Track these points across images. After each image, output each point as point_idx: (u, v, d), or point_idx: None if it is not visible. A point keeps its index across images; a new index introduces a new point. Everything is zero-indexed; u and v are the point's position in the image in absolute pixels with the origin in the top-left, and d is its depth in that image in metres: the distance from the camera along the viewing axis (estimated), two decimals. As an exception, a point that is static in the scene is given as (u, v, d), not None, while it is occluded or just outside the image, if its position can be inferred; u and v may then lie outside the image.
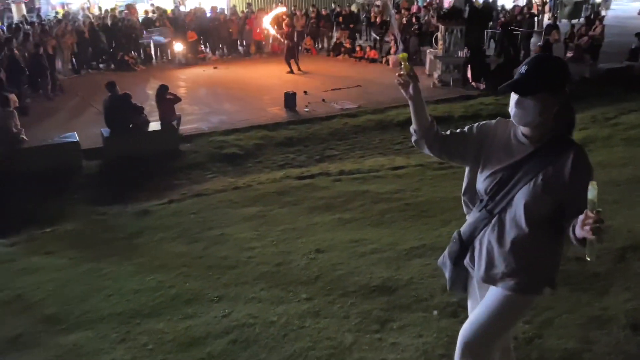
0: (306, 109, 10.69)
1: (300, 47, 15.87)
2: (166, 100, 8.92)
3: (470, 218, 2.15)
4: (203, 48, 16.98)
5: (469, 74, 12.31)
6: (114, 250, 5.15)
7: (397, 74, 2.02)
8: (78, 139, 8.36)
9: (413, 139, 2.14)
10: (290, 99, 10.76)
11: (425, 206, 5.58)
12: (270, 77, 13.52)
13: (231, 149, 8.79)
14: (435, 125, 2.10)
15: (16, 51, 11.40)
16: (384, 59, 15.41)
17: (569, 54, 14.41)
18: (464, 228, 2.17)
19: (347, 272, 4.12)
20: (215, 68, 15.28)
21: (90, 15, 17.91)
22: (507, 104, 1.97)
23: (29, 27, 14.94)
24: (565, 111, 1.96)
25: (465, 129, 2.13)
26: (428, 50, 14.36)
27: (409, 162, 7.47)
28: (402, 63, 2.01)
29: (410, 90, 2.02)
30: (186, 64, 15.71)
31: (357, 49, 16.34)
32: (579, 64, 13.77)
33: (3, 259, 5.23)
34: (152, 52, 16.35)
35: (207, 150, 8.76)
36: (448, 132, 2.14)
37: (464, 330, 2.14)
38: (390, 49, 15.73)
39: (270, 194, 6.49)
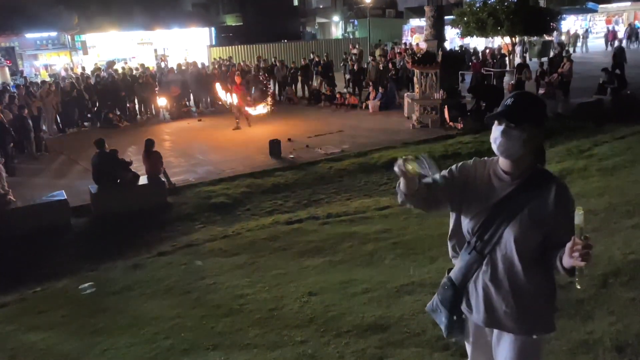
0: (291, 156, 10.92)
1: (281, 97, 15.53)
2: (154, 154, 9.08)
3: (459, 262, 2.12)
4: (187, 102, 17.31)
5: (446, 115, 12.73)
6: (106, 305, 5.16)
7: (402, 169, 1.91)
8: (66, 197, 8.40)
9: (400, 199, 2.07)
10: (275, 147, 10.99)
11: (412, 244, 5.71)
12: (254, 126, 13.80)
13: (219, 198, 8.90)
14: (422, 185, 2.01)
15: (0, 114, 11.56)
16: (364, 105, 15.86)
17: (541, 91, 15.01)
18: (455, 273, 2.14)
19: (339, 313, 4.20)
20: (199, 121, 15.56)
21: (73, 76, 18.24)
22: (486, 142, 2.09)
23: (13, 89, 15.17)
24: (542, 145, 2.05)
25: (445, 172, 2.12)
26: (405, 94, 14.86)
27: (394, 202, 7.63)
28: (411, 169, 1.90)
29: (411, 183, 1.96)
30: (170, 119, 15.99)
31: (337, 96, 16.81)
32: (550, 100, 14.34)
33: (-6, 321, 5.20)
34: (136, 108, 16.64)
35: (195, 201, 8.85)
36: (429, 180, 2.06)
37: None
38: (369, 94, 16.22)
39: (260, 241, 6.58)
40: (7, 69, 21.12)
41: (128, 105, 16.33)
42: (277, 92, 18.72)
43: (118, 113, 15.83)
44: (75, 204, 8.59)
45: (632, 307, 3.75)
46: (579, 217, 1.69)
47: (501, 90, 14.58)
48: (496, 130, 1.97)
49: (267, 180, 9.63)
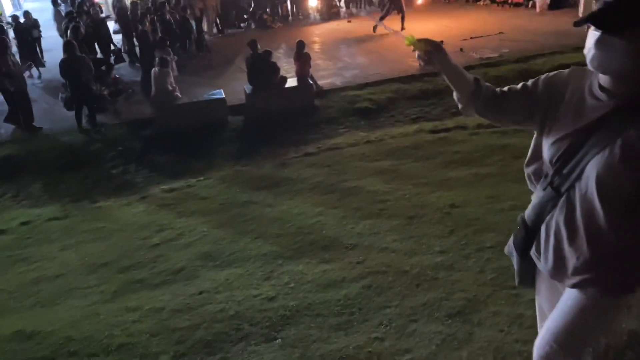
0: (442, 60, 10.28)
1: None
2: (304, 55, 9.18)
3: (534, 199, 1.76)
4: (337, 2, 17.01)
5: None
6: (257, 198, 5.57)
7: (417, 58, 1.74)
8: (224, 96, 8.98)
9: (460, 107, 1.83)
10: (425, 51, 10.39)
11: (572, 162, 5.16)
12: (405, 29, 13.17)
13: (364, 103, 8.83)
14: (482, 85, 1.75)
15: (169, 16, 12.46)
16: (530, 3, 14.14)
17: None
18: (528, 211, 1.79)
19: (483, 228, 4.03)
20: (349, 22, 15.27)
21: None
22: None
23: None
24: None
25: (529, 82, 1.73)
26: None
27: (555, 115, 6.91)
28: (414, 47, 1.74)
29: (437, 63, 1.74)
30: (321, 20, 15.91)
31: (500, -7, 15.19)
32: None
33: (165, 202, 5.94)
34: (288, 9, 16.81)
35: (340, 105, 8.91)
36: (505, 89, 1.75)
37: (539, 344, 1.77)
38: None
39: (402, 148, 6.47)
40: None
41: (283, 6, 16.56)
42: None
43: (272, 14, 16.17)
44: (232, 103, 9.16)
45: None
46: None
47: None
48: (591, 37, 1.47)
49: (414, 86, 9.28)
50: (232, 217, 5.14)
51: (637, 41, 1.39)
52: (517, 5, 14.50)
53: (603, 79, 1.55)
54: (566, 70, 1.68)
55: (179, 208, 5.68)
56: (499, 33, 11.68)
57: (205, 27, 14.95)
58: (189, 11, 13.06)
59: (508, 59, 9.93)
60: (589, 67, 1.52)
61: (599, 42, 1.45)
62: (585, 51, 1.51)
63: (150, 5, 13.53)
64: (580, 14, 12.17)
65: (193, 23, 13.56)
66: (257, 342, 3.00)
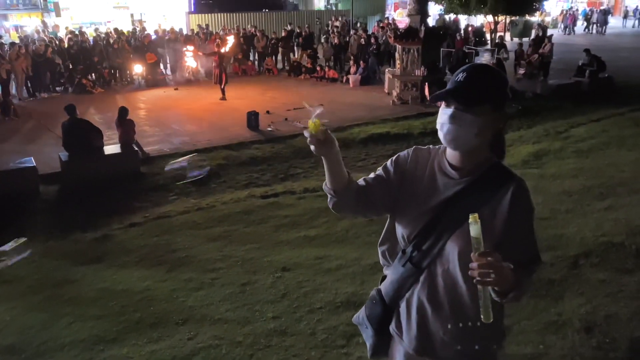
0: (269, 129, 10.75)
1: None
2: (127, 122, 8.83)
3: (392, 274, 1.76)
4: (163, 69, 16.88)
5: (426, 92, 12.67)
6: (75, 276, 5.03)
7: (308, 139, 1.62)
8: (34, 164, 8.14)
9: (331, 202, 1.72)
10: (252, 119, 10.80)
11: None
12: (232, 97, 13.55)
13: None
14: (353, 180, 1.72)
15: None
16: (344, 79, 15.69)
17: (521, 72, 15.07)
18: (385, 287, 1.78)
19: (312, 289, 4.17)
20: (176, 89, 15.20)
21: (45, 38, 17.58)
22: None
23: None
24: (501, 134, 1.67)
25: (380, 169, 1.77)
26: (387, 70, 14.73)
27: (372, 179, 7.60)
28: (315, 130, 1.63)
29: (328, 149, 1.64)
30: (146, 86, 15.59)
31: (318, 69, 16.58)
32: (530, 81, 14.44)
33: (-44, 290, 5.03)
34: (111, 74, 16.16)
35: (169, 172, 8.67)
36: (362, 182, 1.75)
37: None
38: (350, 68, 16.04)
39: (234, 214, 6.48)
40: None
41: (104, 71, 15.85)
42: (256, 63, 18.39)
43: (92, 79, 15.36)
44: (45, 171, 8.34)
45: (602, 289, 3.81)
46: (474, 226, 1.41)
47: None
48: (443, 114, 1.58)
49: (243, 153, 9.48)
50: (44, 300, 4.55)
51: (484, 118, 1.55)
52: (333, 80, 15.97)
53: (451, 155, 1.66)
54: (409, 150, 1.75)
55: (-25, 295, 4.85)
56: (319, 105, 12.63)
57: (14, 90, 13.59)
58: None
59: (328, 128, 10.69)
60: (443, 140, 1.61)
61: (454, 117, 1.55)
62: (438, 126, 1.61)
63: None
64: (386, 90, 13.85)
65: (-2, 85, 12.26)
66: None
